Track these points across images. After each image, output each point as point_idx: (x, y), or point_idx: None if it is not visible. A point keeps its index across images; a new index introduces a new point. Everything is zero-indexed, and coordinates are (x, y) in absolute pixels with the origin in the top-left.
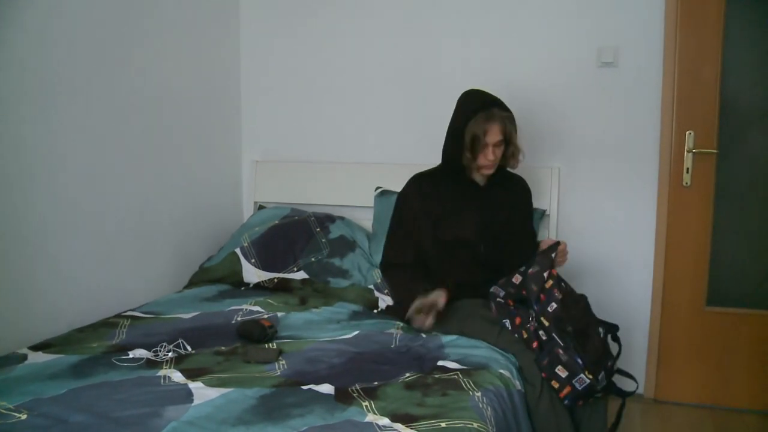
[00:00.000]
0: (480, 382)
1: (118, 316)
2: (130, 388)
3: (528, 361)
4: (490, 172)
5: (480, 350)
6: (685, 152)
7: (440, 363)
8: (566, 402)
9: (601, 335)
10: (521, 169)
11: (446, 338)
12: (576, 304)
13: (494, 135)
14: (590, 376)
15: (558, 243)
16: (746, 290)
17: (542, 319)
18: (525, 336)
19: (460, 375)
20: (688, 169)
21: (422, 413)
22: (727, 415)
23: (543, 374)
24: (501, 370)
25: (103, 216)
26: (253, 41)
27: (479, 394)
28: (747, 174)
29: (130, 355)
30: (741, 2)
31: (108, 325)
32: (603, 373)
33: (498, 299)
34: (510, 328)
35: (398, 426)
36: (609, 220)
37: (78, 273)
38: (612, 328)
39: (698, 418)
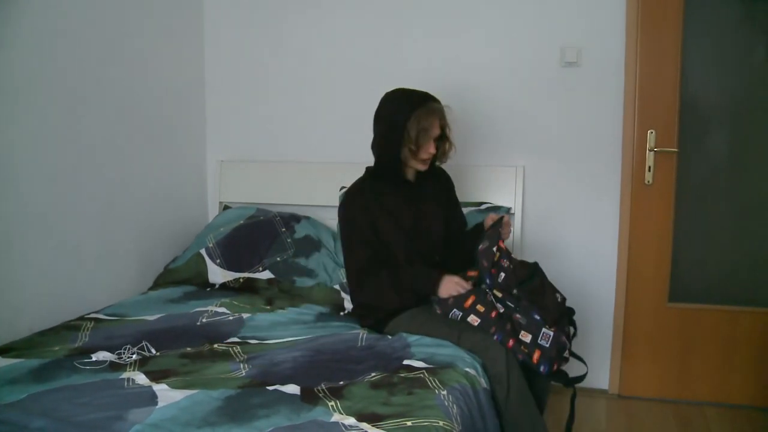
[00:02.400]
0: (446, 380)
1: (81, 318)
2: (92, 391)
3: (492, 359)
4: (425, 167)
5: (446, 349)
6: (647, 151)
7: (406, 362)
8: (543, 369)
9: (559, 299)
10: (486, 168)
11: (412, 337)
12: (523, 268)
13: (436, 128)
14: (553, 329)
15: (502, 217)
16: (707, 286)
17: (495, 291)
18: (482, 309)
19: (425, 374)
20: (650, 167)
21: (388, 412)
22: (689, 408)
23: (509, 343)
24: (467, 369)
25: (64, 217)
26: (217, 41)
27: (445, 392)
28: (707, 172)
29: (93, 358)
30: (700, 4)
31: (70, 328)
32: (571, 328)
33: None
34: (461, 313)
35: (364, 425)
36: (573, 218)
37: (39, 275)
38: (569, 310)
39: (661, 412)
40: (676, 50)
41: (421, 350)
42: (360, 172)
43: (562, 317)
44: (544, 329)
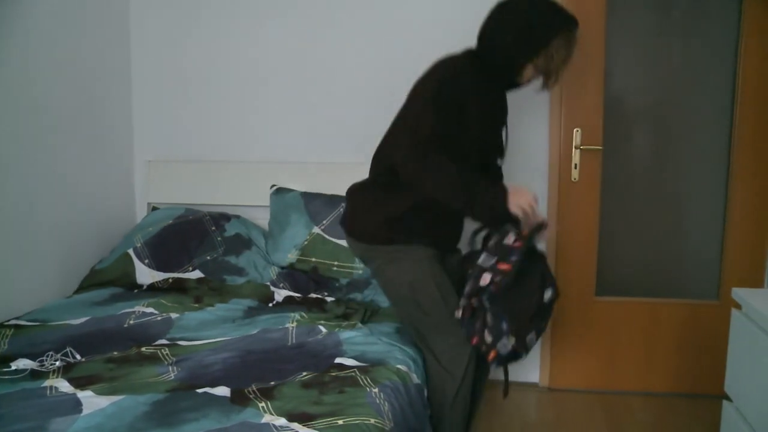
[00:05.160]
0: (377, 378)
1: (0, 325)
2: (12, 402)
3: (448, 346)
4: (526, 86)
5: (377, 346)
6: (573, 149)
7: (337, 360)
8: (494, 365)
9: (546, 298)
10: None
11: (344, 335)
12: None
13: (568, 63)
14: (512, 340)
15: (543, 224)
16: (631, 280)
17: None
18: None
19: (357, 372)
20: (576, 165)
21: (319, 411)
22: (615, 398)
23: (474, 339)
24: (398, 366)
25: None
26: (143, 38)
27: (376, 390)
28: (630, 169)
29: (13, 367)
30: (621, 9)
31: None
32: (533, 333)
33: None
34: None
35: (295, 425)
36: None
37: None
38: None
39: (589, 403)
40: (600, 53)
41: (352, 348)
42: (290, 171)
43: (541, 315)
44: (504, 339)
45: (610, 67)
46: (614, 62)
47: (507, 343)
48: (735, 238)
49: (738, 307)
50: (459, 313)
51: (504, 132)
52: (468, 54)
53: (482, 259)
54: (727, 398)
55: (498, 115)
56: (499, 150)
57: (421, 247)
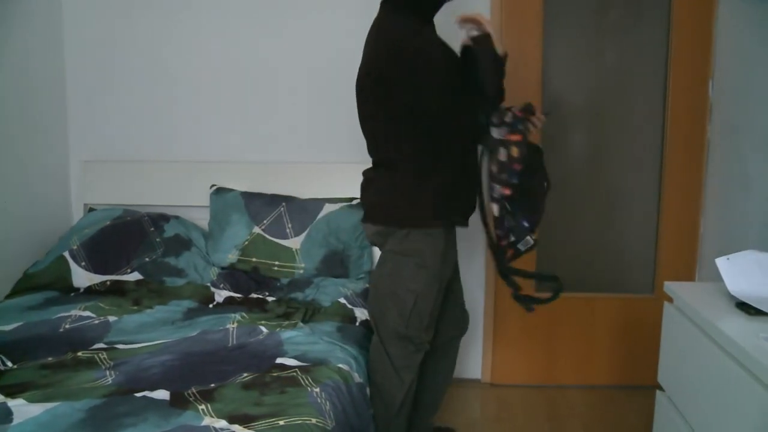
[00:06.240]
0: (318, 377)
1: None
2: None
3: (406, 353)
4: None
5: (318, 346)
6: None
7: (279, 360)
8: (506, 262)
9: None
10: (357, 165)
11: (285, 335)
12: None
13: None
14: (534, 236)
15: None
16: (569, 276)
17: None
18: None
19: (298, 372)
20: None
21: (260, 412)
22: (556, 392)
23: (502, 242)
24: (339, 365)
25: None
26: (77, 36)
27: (318, 389)
28: (568, 167)
29: None
30: (556, 12)
31: None
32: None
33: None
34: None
35: (236, 427)
36: None
37: None
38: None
39: (531, 397)
40: (538, 53)
41: (294, 348)
42: (230, 170)
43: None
44: (528, 237)
45: (547, 67)
46: (551, 62)
47: (530, 240)
48: (668, 234)
49: (670, 300)
50: (496, 211)
51: None
52: (387, 8)
53: (495, 134)
54: (661, 388)
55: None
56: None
57: (435, 234)
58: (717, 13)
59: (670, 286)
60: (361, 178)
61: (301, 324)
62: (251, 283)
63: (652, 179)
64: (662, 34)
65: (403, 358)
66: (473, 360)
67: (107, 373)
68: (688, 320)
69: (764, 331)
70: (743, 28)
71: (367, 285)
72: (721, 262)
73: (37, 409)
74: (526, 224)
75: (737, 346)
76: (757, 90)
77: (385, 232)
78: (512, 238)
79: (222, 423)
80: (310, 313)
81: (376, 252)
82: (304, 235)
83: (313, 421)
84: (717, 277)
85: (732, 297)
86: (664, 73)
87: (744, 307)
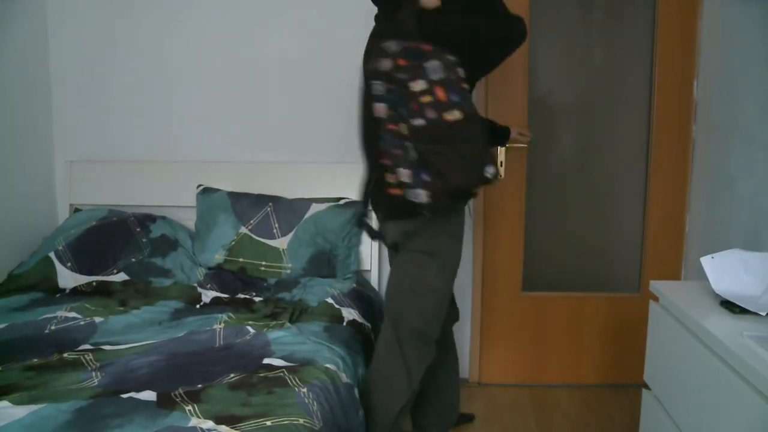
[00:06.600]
0: (306, 377)
1: None
2: None
3: (420, 354)
4: None
5: (305, 346)
6: (499, 147)
7: (266, 361)
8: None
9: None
10: (343, 165)
11: (272, 335)
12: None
13: None
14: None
15: None
16: (556, 275)
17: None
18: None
19: (285, 372)
20: (501, 162)
21: (247, 413)
22: (543, 391)
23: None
24: (327, 365)
25: None
26: (62, 35)
27: (305, 389)
28: (555, 167)
29: None
30: (543, 11)
31: None
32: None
33: None
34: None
35: (222, 428)
36: None
37: None
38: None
39: (518, 396)
40: (524, 52)
41: (281, 348)
42: (217, 170)
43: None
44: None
45: (534, 66)
46: (538, 62)
47: (420, 193)
48: (654, 233)
49: (656, 299)
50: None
51: None
52: (381, 23)
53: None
54: (647, 387)
55: None
56: None
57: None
58: (702, 13)
59: (656, 285)
60: (347, 178)
61: (288, 324)
62: (238, 283)
63: (638, 179)
64: (647, 34)
65: (417, 359)
66: (461, 360)
67: (93, 374)
68: (673, 319)
69: (748, 330)
70: (728, 28)
71: (354, 285)
72: (706, 261)
73: (21, 411)
74: (426, 178)
75: (722, 345)
76: (742, 90)
77: (412, 232)
78: (405, 180)
79: (209, 424)
80: (298, 313)
81: (364, 252)
82: (291, 235)
83: (301, 421)
84: (702, 276)
85: (717, 295)
86: (650, 73)
87: (728, 305)
